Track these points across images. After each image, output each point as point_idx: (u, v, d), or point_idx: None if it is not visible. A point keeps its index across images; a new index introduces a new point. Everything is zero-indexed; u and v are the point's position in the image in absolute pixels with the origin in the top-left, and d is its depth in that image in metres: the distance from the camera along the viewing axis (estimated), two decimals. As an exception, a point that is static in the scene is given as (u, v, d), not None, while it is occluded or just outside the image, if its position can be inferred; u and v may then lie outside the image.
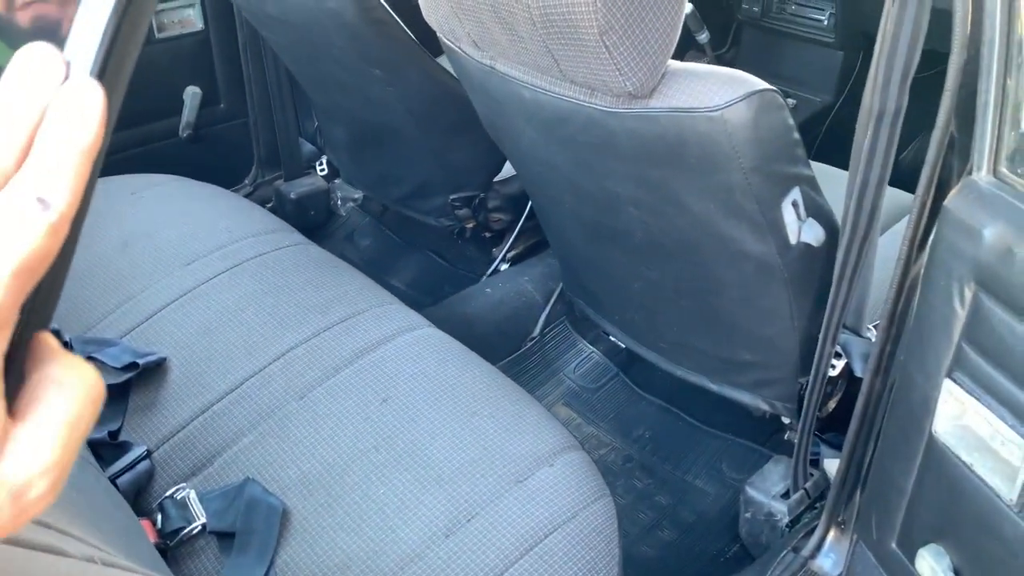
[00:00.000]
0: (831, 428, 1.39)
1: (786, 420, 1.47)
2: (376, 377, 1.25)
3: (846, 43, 2.03)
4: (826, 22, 2.03)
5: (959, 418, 0.88)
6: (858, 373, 1.19)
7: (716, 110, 0.95)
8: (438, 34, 1.22)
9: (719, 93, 0.95)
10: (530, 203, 1.87)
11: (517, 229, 1.90)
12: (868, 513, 1.08)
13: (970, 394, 0.85)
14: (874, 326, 1.22)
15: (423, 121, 1.65)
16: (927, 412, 0.93)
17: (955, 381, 0.87)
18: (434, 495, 1.08)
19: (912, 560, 0.98)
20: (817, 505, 1.35)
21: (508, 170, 1.83)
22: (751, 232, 1.09)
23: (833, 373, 1.25)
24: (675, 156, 1.01)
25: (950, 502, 0.92)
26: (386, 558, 1.02)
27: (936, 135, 0.93)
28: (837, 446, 1.35)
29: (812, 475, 1.35)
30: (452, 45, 1.20)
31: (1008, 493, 0.83)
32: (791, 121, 1.01)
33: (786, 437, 1.57)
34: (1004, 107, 0.82)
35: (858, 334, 1.22)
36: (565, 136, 1.11)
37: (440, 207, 1.84)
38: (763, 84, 0.97)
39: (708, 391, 1.49)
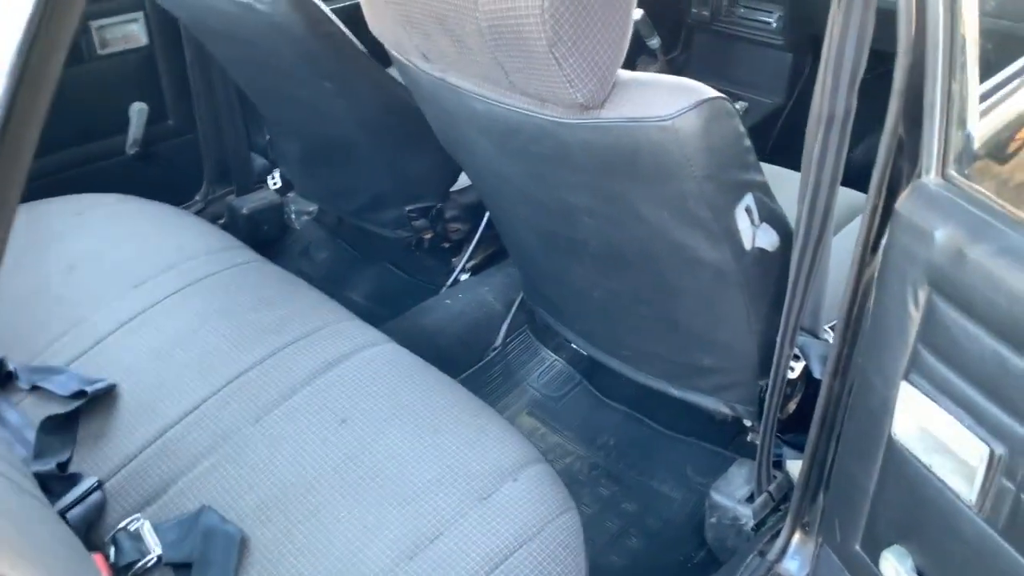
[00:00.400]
0: (792, 429, 1.39)
1: (747, 423, 1.47)
2: (334, 397, 1.23)
3: (795, 45, 2.06)
4: (775, 24, 2.05)
5: (917, 421, 0.88)
6: (817, 375, 1.20)
7: (667, 119, 0.94)
8: (386, 47, 1.20)
9: (669, 102, 0.95)
10: (487, 214, 1.86)
11: (476, 239, 1.89)
12: (832, 516, 1.09)
13: (927, 396, 0.86)
14: (831, 327, 1.22)
15: (376, 133, 1.63)
16: (886, 414, 0.93)
17: (912, 384, 0.87)
18: (397, 516, 1.06)
19: (876, 562, 0.98)
20: (781, 508, 1.36)
21: (464, 180, 1.82)
22: (706, 240, 1.09)
23: (792, 376, 1.25)
24: (628, 166, 1.01)
25: (912, 503, 0.92)
26: None
27: (885, 138, 0.94)
28: (799, 447, 1.36)
29: (775, 477, 1.35)
30: (400, 58, 1.18)
31: (968, 494, 0.84)
32: (742, 128, 1.01)
33: (748, 439, 1.57)
34: (950, 109, 0.83)
35: (815, 336, 1.22)
36: (517, 147, 1.09)
37: (396, 219, 1.82)
38: (713, 92, 0.96)
39: (671, 396, 1.49)
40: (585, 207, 1.12)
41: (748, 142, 1.02)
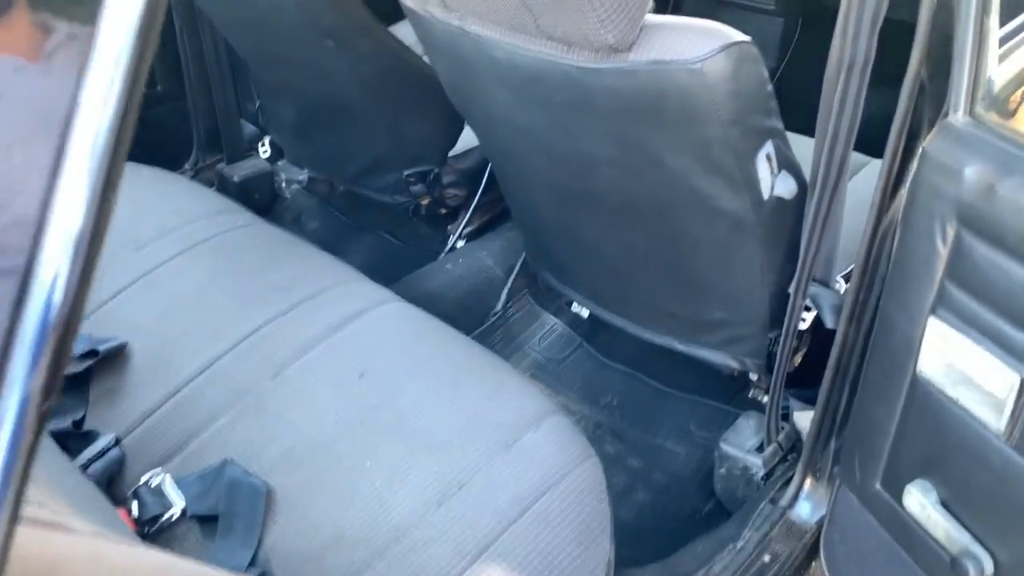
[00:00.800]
0: (797, 383, 1.42)
1: (753, 377, 1.50)
2: (350, 352, 1.23)
3: (786, 10, 2.07)
4: (766, -10, 2.07)
5: (944, 355, 0.91)
6: (829, 325, 1.22)
7: (696, 63, 0.95)
8: (400, -2, 1.19)
9: (698, 45, 0.96)
10: (485, 179, 1.86)
11: (473, 204, 1.88)
12: (851, 457, 1.11)
13: (955, 330, 0.88)
14: (843, 277, 1.24)
15: (376, 93, 1.62)
16: (910, 353, 0.95)
17: (939, 319, 0.89)
18: (424, 465, 1.06)
19: (898, 498, 1.00)
20: (788, 458, 1.38)
21: (463, 144, 1.81)
22: (727, 187, 1.10)
23: (804, 326, 1.27)
24: (654, 111, 1.01)
25: (936, 438, 0.94)
26: (379, 529, 1.00)
27: (908, 82, 0.95)
28: (805, 400, 1.39)
29: (783, 428, 1.38)
30: (416, 8, 1.17)
31: (996, 424, 0.86)
32: (766, 74, 1.02)
33: (750, 395, 1.60)
34: (982, 48, 0.84)
35: (827, 286, 1.24)
36: (540, 96, 1.09)
37: (394, 183, 1.80)
38: (740, 36, 0.97)
39: (672, 355, 1.51)
40: (606, 157, 1.13)
41: (771, 88, 1.03)
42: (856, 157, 1.20)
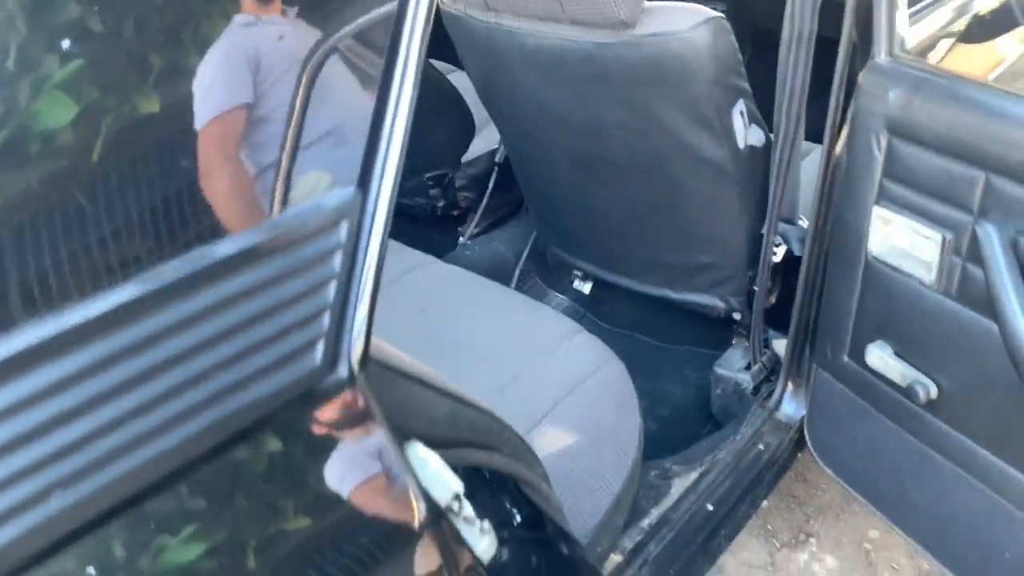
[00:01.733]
0: (773, 322, 1.70)
1: (737, 317, 1.78)
2: (407, 298, 1.49)
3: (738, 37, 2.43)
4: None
5: (887, 237, 1.20)
6: (796, 252, 1.51)
7: (686, 32, 1.27)
8: (442, 4, 1.50)
9: (685, 20, 1.28)
10: (492, 183, 2.14)
11: (483, 206, 2.17)
12: (823, 342, 1.39)
13: (894, 212, 1.18)
14: (804, 216, 1.55)
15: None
16: (861, 242, 1.25)
17: (882, 207, 1.20)
18: (482, 370, 1.32)
19: (862, 360, 1.29)
20: (772, 378, 1.66)
21: (473, 151, 2.11)
22: (711, 138, 1.40)
23: (776, 260, 1.57)
24: (656, 75, 1.32)
25: (886, 304, 1.23)
26: None
27: (843, 42, 1.27)
28: (780, 331, 1.67)
29: (765, 352, 1.66)
30: (457, 13, 1.48)
31: (929, 278, 1.16)
32: (736, 43, 1.34)
33: (734, 343, 1.88)
34: (893, 8, 1.17)
35: (793, 223, 1.55)
36: (564, 74, 1.40)
37: (416, 186, 2.09)
38: (715, 12, 1.29)
39: (666, 314, 1.80)
40: (616, 121, 1.43)
41: (740, 56, 1.35)
42: (806, 145, 1.51)
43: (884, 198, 1.20)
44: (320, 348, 0.62)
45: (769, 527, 1.83)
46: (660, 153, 1.47)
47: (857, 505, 1.86)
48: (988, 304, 1.07)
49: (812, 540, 1.80)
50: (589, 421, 1.28)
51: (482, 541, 0.71)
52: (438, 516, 0.68)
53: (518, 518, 0.86)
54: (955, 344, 1.15)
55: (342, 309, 0.63)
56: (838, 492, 1.88)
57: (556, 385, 1.31)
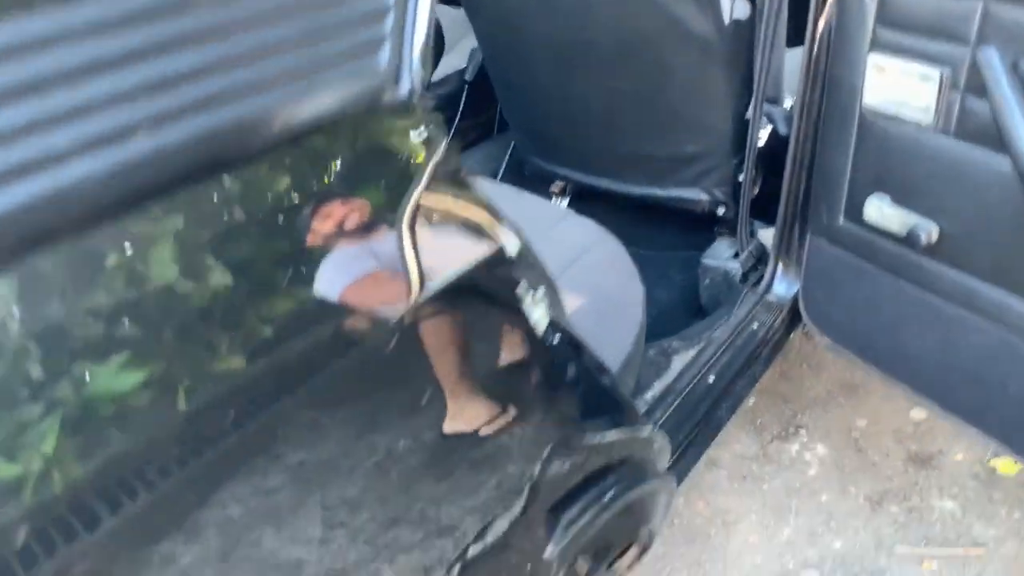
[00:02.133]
0: (756, 213, 1.71)
1: (721, 212, 1.78)
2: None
3: None
4: None
5: (882, 86, 1.21)
6: (782, 132, 1.52)
7: None
8: None
9: None
10: (462, 103, 2.11)
11: (452, 129, 2.14)
12: (818, 209, 1.39)
13: (889, 56, 1.18)
14: (790, 95, 1.55)
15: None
16: (855, 97, 1.25)
17: (876, 53, 1.20)
18: None
19: (859, 219, 1.29)
20: (759, 267, 1.66)
21: (441, 71, 2.09)
22: (696, 10, 1.40)
23: (760, 144, 1.57)
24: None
25: (883, 155, 1.24)
26: None
27: None
28: (765, 222, 1.68)
29: (751, 241, 1.66)
30: None
31: (927, 120, 1.16)
32: (722, -91, 1.34)
33: (718, 239, 1.89)
34: None
35: (778, 103, 1.55)
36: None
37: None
38: None
39: (649, 221, 1.80)
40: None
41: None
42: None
43: (877, 45, 1.20)
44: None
45: (759, 422, 1.84)
46: (645, 29, 1.46)
47: (843, 397, 1.88)
48: (989, 135, 1.08)
49: (802, 431, 1.81)
50: (591, 288, 1.26)
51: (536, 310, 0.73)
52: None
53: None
54: (956, 182, 1.16)
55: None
56: (823, 388, 1.91)
57: (564, 252, 1.30)
